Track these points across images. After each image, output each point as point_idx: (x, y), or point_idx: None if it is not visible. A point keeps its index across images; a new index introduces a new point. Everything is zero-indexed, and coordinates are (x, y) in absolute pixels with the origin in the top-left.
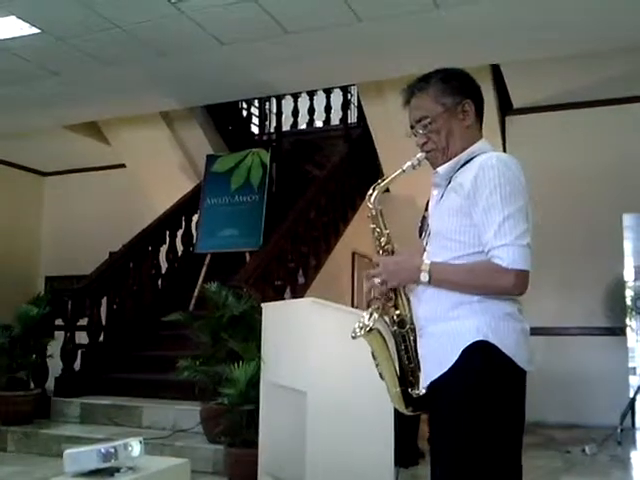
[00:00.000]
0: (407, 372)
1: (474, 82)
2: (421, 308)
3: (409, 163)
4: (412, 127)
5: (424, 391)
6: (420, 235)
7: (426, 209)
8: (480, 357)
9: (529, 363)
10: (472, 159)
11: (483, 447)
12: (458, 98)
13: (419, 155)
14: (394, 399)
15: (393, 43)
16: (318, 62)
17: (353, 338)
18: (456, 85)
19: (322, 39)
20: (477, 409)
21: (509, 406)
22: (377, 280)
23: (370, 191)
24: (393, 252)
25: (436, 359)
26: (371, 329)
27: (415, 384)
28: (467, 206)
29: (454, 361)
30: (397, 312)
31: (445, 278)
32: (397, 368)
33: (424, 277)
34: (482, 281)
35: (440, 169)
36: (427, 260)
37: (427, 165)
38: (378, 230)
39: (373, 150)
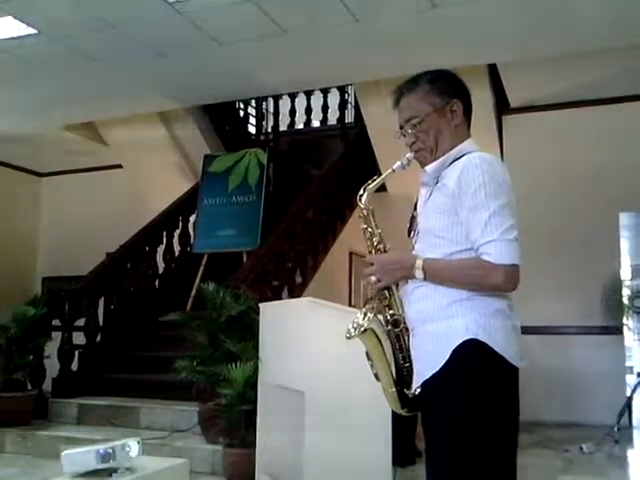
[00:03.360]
0: (403, 372)
1: (462, 83)
2: (411, 309)
3: (398, 163)
4: (401, 127)
5: (419, 390)
6: (409, 234)
7: (415, 208)
8: (471, 356)
9: (520, 359)
10: (459, 158)
11: (477, 445)
12: (447, 98)
13: (408, 155)
14: (390, 399)
15: (390, 43)
16: (316, 62)
17: (348, 338)
18: (444, 86)
19: (320, 39)
20: (470, 408)
21: (502, 403)
22: (373, 278)
23: (361, 192)
24: (385, 251)
25: (427, 359)
26: (365, 329)
27: (411, 384)
28: (452, 205)
29: (445, 361)
30: (391, 312)
31: (439, 275)
32: (393, 368)
33: (419, 274)
34: (474, 278)
35: (428, 168)
36: (421, 257)
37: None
38: (370, 230)
39: (370, 150)
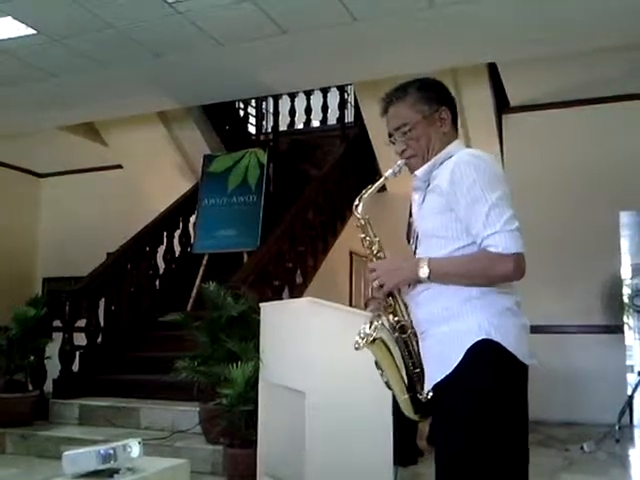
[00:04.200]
0: (414, 378)
1: (448, 91)
2: (420, 311)
3: (390, 170)
4: (390, 135)
5: (431, 394)
6: (409, 241)
7: (410, 215)
8: (485, 356)
9: (530, 357)
10: (448, 159)
11: (494, 446)
12: (435, 106)
13: (399, 162)
14: (403, 406)
15: (389, 42)
16: (315, 62)
17: (356, 349)
18: (432, 94)
19: (319, 39)
20: (486, 408)
21: (515, 402)
22: (376, 283)
23: (356, 202)
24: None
25: (440, 360)
26: (374, 339)
27: (423, 388)
28: (448, 203)
29: (459, 361)
30: (396, 318)
31: (445, 271)
32: (404, 374)
33: (424, 272)
34: (482, 270)
35: (418, 172)
36: (425, 257)
37: None
38: (368, 239)
39: (370, 149)
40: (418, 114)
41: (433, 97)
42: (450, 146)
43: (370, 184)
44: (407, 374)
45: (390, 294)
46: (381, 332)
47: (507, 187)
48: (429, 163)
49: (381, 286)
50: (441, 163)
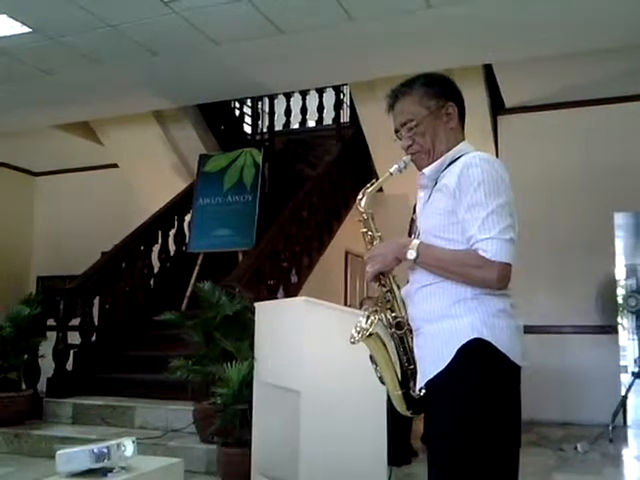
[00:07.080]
0: (407, 374)
1: (455, 86)
2: (415, 309)
3: (395, 166)
4: (397, 131)
5: (424, 391)
6: (410, 237)
7: (414, 212)
8: (476, 355)
9: (523, 358)
10: (456, 159)
11: (482, 444)
12: (441, 101)
13: (405, 158)
14: (396, 402)
15: (385, 43)
16: (311, 62)
17: (352, 343)
18: (439, 89)
19: (315, 39)
20: (475, 407)
21: (506, 402)
22: (367, 268)
23: (360, 196)
24: None
25: (432, 358)
26: (371, 334)
27: (416, 385)
28: (453, 205)
29: (450, 360)
30: (393, 314)
31: (431, 260)
32: (398, 370)
33: (411, 255)
34: (466, 270)
35: (426, 170)
36: (416, 240)
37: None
38: (370, 234)
39: (366, 149)
40: (424, 109)
41: (439, 92)
42: (459, 145)
43: (367, 183)
44: (401, 370)
45: (389, 290)
46: (377, 327)
47: (511, 196)
48: (438, 162)
49: (371, 267)
50: (450, 163)
